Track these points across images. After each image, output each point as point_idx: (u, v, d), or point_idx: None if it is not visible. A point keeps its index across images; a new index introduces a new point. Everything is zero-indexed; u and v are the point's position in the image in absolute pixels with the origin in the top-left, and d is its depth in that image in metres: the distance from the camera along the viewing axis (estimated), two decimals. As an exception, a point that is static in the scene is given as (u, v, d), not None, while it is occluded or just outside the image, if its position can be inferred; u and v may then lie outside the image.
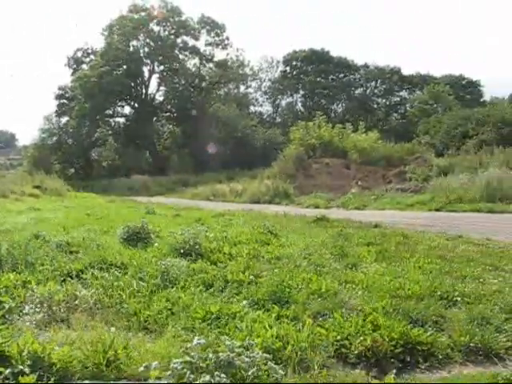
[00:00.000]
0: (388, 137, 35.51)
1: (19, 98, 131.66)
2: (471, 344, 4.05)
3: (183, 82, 51.76)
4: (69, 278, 5.97)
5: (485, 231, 10.23)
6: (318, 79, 61.07)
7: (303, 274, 6.05)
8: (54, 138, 47.38)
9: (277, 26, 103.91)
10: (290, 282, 5.57)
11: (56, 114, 49.27)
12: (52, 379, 3.38)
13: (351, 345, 3.97)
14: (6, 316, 4.57)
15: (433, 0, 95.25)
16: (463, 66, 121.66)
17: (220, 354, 3.23)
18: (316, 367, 3.62)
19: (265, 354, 3.31)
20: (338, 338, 4.08)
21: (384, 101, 64.74)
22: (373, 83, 64.00)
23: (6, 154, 70.85)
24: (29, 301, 4.90)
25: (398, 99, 63.98)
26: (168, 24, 49.86)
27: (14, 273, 6.03)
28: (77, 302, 4.97)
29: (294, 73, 62.45)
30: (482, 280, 5.92)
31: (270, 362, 3.27)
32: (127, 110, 52.69)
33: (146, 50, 50.44)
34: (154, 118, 51.03)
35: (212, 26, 50.97)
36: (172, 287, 5.62)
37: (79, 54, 51.85)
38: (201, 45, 51.61)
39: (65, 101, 49.71)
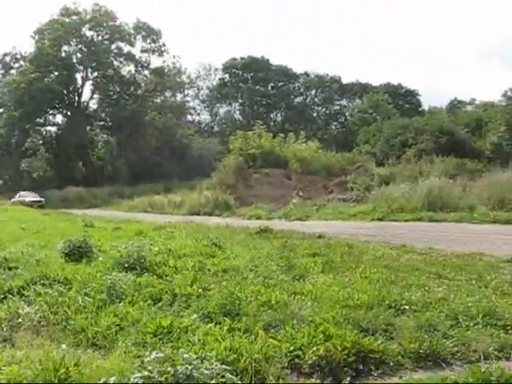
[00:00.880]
0: (328, 146, 36.25)
1: None
2: (420, 350, 4.22)
3: (118, 90, 50.68)
4: (9, 295, 5.73)
5: (427, 240, 10.75)
6: (257, 87, 61.08)
7: (251, 286, 6.11)
8: (-19, 148, 44.87)
9: (215, 32, 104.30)
10: (239, 294, 5.59)
11: (-18, 123, 46.68)
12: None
13: (304, 355, 4.02)
14: None
15: (371, 9, 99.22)
16: (401, 76, 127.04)
17: (178, 367, 3.27)
18: (272, 378, 3.70)
19: (223, 366, 3.36)
20: (291, 348, 4.11)
21: (324, 109, 65.62)
22: (313, 92, 64.70)
23: None
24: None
25: (338, 108, 65.02)
26: (101, 29, 48.59)
27: None
28: (20, 319, 4.82)
29: (233, 81, 61.98)
30: (427, 288, 6.14)
31: (228, 374, 3.32)
32: (59, 118, 51.09)
33: (79, 55, 48.99)
34: (88, 127, 49.52)
35: (148, 32, 50.23)
36: (119, 302, 5.52)
37: (7, 58, 49.45)
38: (136, 51, 50.95)
39: (-8, 108, 47.26)
